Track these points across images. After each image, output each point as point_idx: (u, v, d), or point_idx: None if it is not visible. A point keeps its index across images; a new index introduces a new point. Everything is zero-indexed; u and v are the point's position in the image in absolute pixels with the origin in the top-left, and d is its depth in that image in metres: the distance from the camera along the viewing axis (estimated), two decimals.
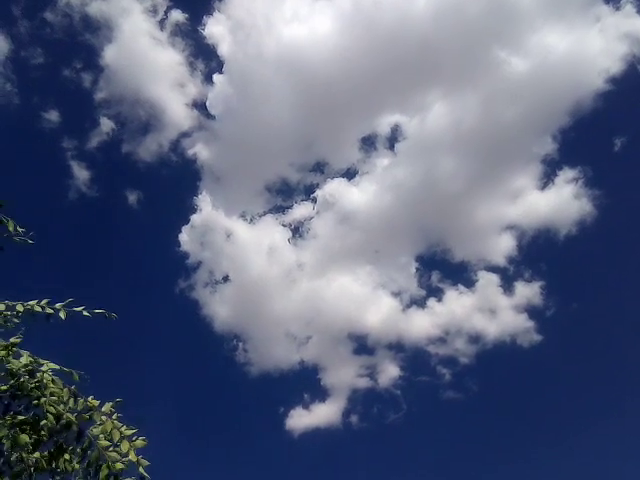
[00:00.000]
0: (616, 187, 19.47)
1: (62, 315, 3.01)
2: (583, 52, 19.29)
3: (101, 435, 2.66)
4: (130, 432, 2.72)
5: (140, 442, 2.63)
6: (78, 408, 2.79)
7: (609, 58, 18.98)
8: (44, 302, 3.02)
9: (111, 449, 2.61)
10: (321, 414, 18.70)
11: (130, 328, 19.16)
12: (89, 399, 2.83)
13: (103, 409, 2.79)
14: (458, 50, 20.02)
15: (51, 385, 2.82)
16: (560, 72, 19.29)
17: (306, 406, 18.92)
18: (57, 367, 2.86)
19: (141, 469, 2.55)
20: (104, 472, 2.54)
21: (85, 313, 3.06)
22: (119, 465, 2.56)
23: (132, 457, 2.56)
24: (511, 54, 19.79)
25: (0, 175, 19.21)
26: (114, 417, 2.76)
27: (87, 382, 2.91)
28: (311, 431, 18.42)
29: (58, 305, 3.04)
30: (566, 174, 19.66)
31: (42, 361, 2.86)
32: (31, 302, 3.00)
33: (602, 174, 19.58)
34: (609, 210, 18.88)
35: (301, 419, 18.63)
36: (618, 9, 19.53)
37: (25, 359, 2.82)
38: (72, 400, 2.80)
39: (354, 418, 18.73)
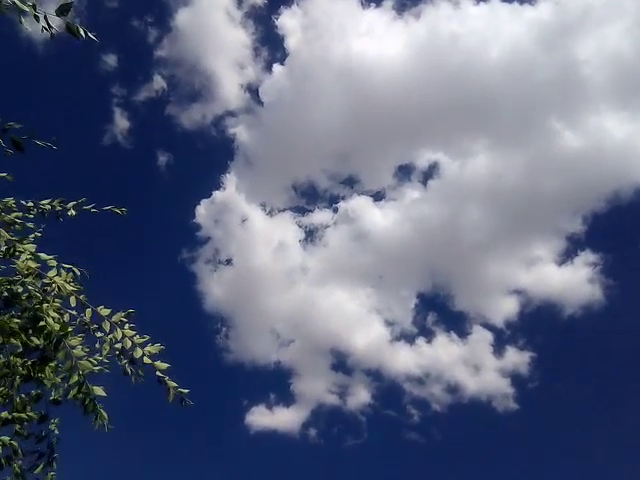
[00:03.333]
0: (631, 282, 19.34)
1: (71, 213, 3.02)
2: (637, 144, 19.30)
3: (79, 346, 2.54)
4: (142, 340, 2.62)
5: (154, 348, 2.52)
6: (86, 317, 2.73)
7: None
8: (57, 201, 3.02)
9: (85, 358, 2.49)
10: (282, 418, 18.26)
11: (121, 281, 19.09)
12: (99, 309, 2.75)
13: (113, 319, 2.66)
14: (517, 108, 20.01)
15: (57, 291, 2.76)
16: (609, 158, 19.20)
17: (269, 406, 18.52)
18: (66, 266, 2.75)
19: (158, 372, 2.47)
20: (73, 379, 2.42)
21: (93, 210, 3.09)
22: (87, 364, 2.45)
23: (146, 360, 2.48)
24: (567, 128, 19.72)
25: (46, 102, 19.42)
26: (126, 327, 2.65)
27: (87, 279, 2.79)
28: (268, 432, 18.00)
29: (69, 205, 3.05)
30: (587, 257, 19.51)
31: (45, 256, 2.74)
32: (43, 201, 3.00)
33: (621, 266, 19.47)
34: (618, 302, 18.74)
35: (262, 417, 18.18)
36: None
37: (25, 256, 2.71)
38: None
39: (312, 432, 18.32)
